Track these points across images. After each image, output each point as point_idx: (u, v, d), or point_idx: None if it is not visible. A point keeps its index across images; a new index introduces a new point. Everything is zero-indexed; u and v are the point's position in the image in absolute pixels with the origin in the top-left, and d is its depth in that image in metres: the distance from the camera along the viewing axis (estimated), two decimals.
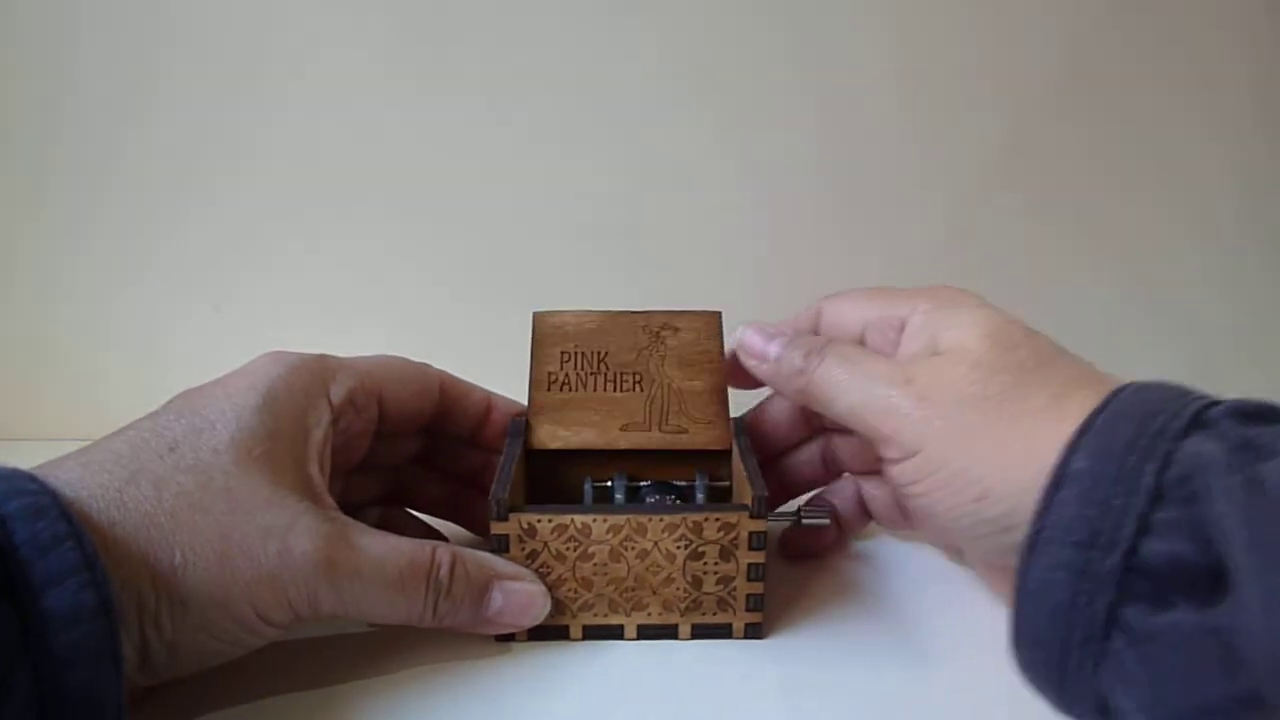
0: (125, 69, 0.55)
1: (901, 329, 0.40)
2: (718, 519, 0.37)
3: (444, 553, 0.36)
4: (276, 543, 0.32)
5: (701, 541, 0.37)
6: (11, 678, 0.25)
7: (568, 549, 0.37)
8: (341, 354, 0.40)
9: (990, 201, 0.58)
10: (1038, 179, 0.57)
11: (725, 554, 0.38)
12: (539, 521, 0.37)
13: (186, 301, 0.59)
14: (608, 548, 0.37)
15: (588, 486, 0.43)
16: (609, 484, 0.43)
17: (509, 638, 0.38)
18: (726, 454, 0.43)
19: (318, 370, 0.38)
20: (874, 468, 0.44)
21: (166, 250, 0.58)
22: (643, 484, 0.43)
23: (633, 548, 0.37)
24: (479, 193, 0.57)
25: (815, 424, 0.45)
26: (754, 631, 0.39)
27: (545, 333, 0.45)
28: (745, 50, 0.56)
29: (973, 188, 0.58)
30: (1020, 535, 0.30)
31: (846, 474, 0.46)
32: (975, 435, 0.33)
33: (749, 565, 0.38)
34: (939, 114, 0.56)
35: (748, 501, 0.38)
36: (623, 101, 0.56)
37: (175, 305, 0.59)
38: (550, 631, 0.38)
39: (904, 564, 0.45)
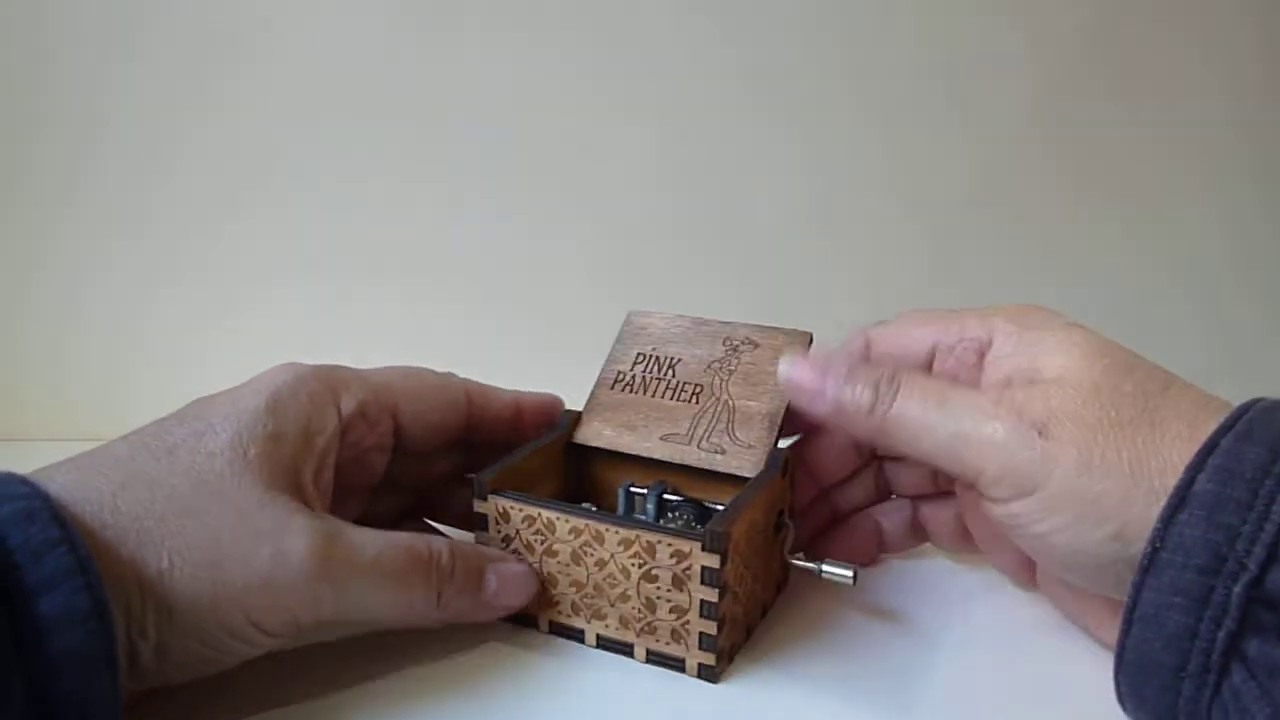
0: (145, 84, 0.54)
1: (981, 352, 0.36)
2: (670, 544, 0.35)
3: (439, 542, 0.35)
4: (269, 545, 0.31)
5: (655, 564, 0.36)
6: (7, 684, 0.25)
7: (535, 541, 0.38)
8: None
9: (1018, 187, 0.58)
10: (1068, 166, 0.57)
11: (678, 583, 0.35)
12: (512, 508, 0.38)
13: (215, 311, 0.58)
14: (570, 549, 0.37)
15: (622, 491, 0.42)
16: (645, 492, 0.42)
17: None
18: None
19: (328, 380, 0.37)
20: (932, 490, 0.41)
21: (193, 256, 0.57)
22: (675, 499, 0.42)
23: (591, 554, 0.37)
24: (498, 201, 0.58)
25: (868, 451, 0.41)
26: (708, 674, 0.36)
27: (631, 332, 0.46)
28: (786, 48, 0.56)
29: (1005, 174, 0.58)
30: None
31: (898, 497, 0.42)
32: (1109, 467, 0.30)
33: (701, 601, 0.35)
34: (961, 108, 0.56)
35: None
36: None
37: (206, 313, 0.58)
38: (520, 619, 0.39)
39: (891, 594, 0.41)
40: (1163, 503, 0.28)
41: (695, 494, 0.42)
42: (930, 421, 0.33)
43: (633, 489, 0.42)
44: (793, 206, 0.59)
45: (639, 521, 0.36)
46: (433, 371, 0.41)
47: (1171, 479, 0.28)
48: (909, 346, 0.38)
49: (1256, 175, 0.57)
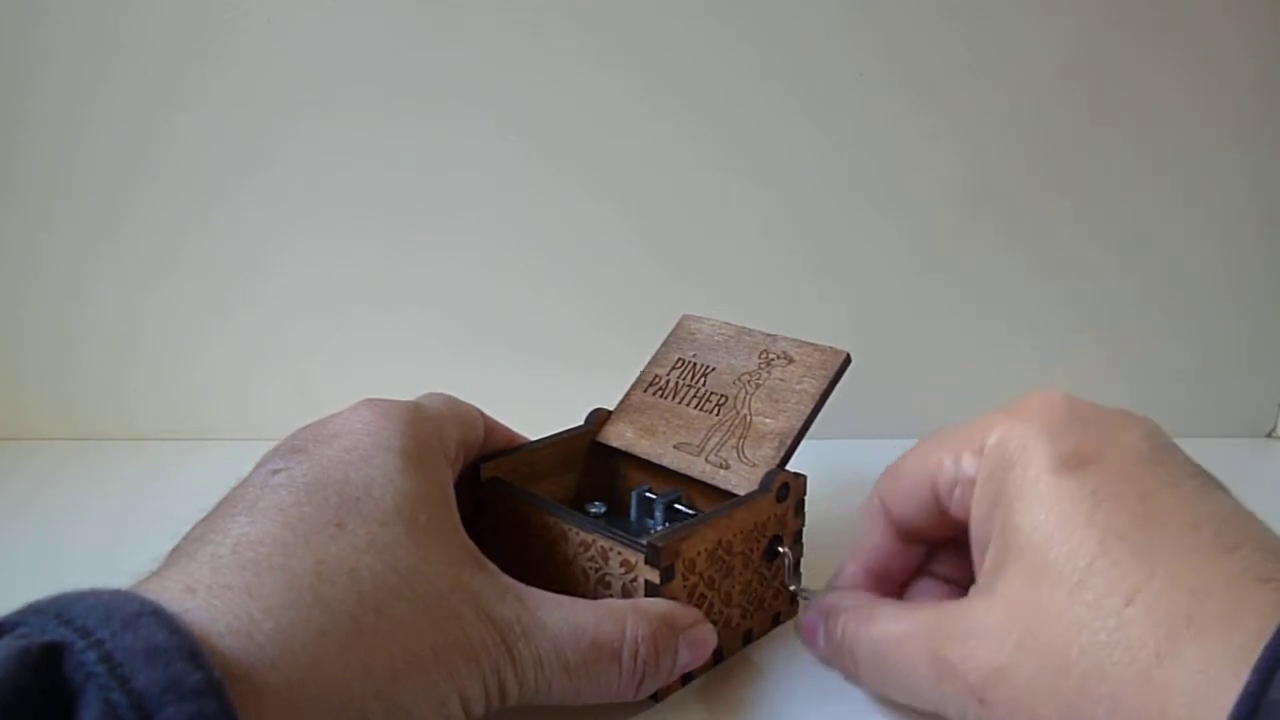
0: (155, 81, 0.53)
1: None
2: (619, 553, 0.34)
3: (636, 626, 0.32)
4: (469, 625, 0.28)
5: (607, 570, 0.35)
6: None
7: (515, 528, 0.38)
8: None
9: (1009, 192, 0.57)
10: (1056, 172, 0.57)
11: (626, 593, 0.34)
12: (501, 489, 0.38)
13: (218, 308, 0.57)
14: (542, 542, 0.37)
15: (634, 495, 0.42)
16: (656, 499, 0.41)
17: None
18: None
19: (426, 423, 0.33)
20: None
21: (195, 254, 0.56)
22: (685, 510, 0.41)
23: (558, 552, 0.37)
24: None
25: (916, 538, 0.37)
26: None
27: (679, 336, 0.45)
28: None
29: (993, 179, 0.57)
30: None
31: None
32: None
33: None
34: (952, 115, 0.56)
35: None
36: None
37: (208, 310, 0.57)
38: None
39: None
40: None
41: (708, 507, 0.40)
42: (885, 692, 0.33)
43: (647, 494, 0.42)
44: (783, 212, 0.57)
45: (597, 525, 0.35)
46: (462, 401, 0.38)
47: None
48: (916, 496, 0.35)
49: (1245, 181, 0.57)
